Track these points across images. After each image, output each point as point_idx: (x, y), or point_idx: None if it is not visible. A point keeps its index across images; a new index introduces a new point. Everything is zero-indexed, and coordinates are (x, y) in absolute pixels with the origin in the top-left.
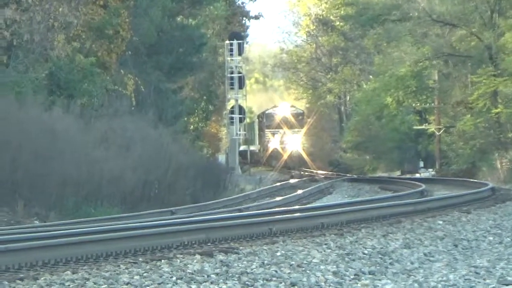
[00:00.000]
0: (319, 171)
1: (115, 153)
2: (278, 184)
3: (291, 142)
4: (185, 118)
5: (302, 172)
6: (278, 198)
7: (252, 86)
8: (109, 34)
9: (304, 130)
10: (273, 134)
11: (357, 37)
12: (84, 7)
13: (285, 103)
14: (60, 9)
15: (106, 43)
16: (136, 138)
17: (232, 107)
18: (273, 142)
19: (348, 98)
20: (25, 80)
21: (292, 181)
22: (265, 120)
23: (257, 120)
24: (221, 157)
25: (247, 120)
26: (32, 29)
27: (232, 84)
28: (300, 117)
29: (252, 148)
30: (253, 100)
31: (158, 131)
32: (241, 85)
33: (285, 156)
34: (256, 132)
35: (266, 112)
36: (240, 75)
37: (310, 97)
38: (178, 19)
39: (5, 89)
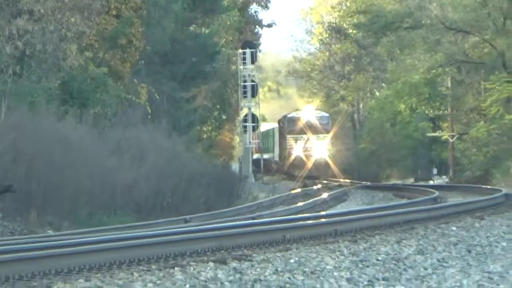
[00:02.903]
0: (333, 179)
1: (129, 162)
2: (292, 192)
3: (316, 149)
4: (198, 127)
5: (315, 180)
6: (292, 206)
7: (265, 94)
8: (122, 44)
9: (330, 135)
10: (296, 140)
11: (370, 45)
12: (96, 17)
13: (309, 106)
14: (73, 19)
15: (119, 53)
16: (149, 147)
17: (245, 116)
18: (296, 149)
19: (361, 105)
20: (38, 90)
21: (305, 189)
22: (287, 125)
23: (277, 125)
24: (235, 166)
25: (260, 128)
26: (45, 39)
27: (245, 92)
28: (325, 122)
29: (265, 156)
30: (266, 108)
31: (171, 140)
32: (254, 93)
33: (309, 164)
34: (274, 139)
35: (288, 116)
36: (253, 83)
37: (323, 105)
38: (191, 28)
39: (19, 99)
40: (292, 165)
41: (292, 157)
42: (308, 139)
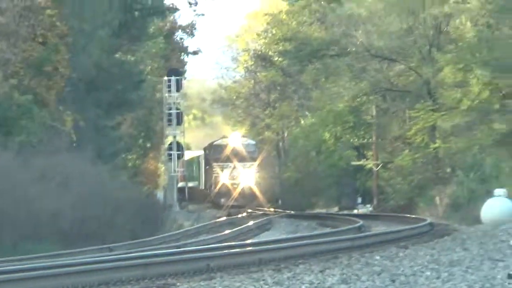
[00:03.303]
0: (258, 208)
1: (54, 190)
2: (217, 220)
3: (243, 177)
4: (124, 155)
5: (240, 209)
6: (216, 234)
7: (191, 122)
8: (48, 71)
9: (257, 163)
10: (222, 168)
11: (295, 73)
12: (22, 44)
13: (236, 133)
14: None
15: (45, 80)
16: (74, 175)
17: (170, 144)
18: (222, 177)
19: (286, 134)
20: None
21: (229, 217)
22: (213, 153)
23: (202, 153)
24: (160, 194)
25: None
26: None
27: (170, 120)
28: (252, 149)
29: (190, 184)
30: (191, 136)
31: (96, 168)
32: (179, 121)
33: (235, 193)
34: (199, 167)
35: (214, 143)
36: (178, 111)
37: (249, 133)
38: (117, 55)
39: None
40: (218, 193)
41: (218, 185)
42: (234, 167)
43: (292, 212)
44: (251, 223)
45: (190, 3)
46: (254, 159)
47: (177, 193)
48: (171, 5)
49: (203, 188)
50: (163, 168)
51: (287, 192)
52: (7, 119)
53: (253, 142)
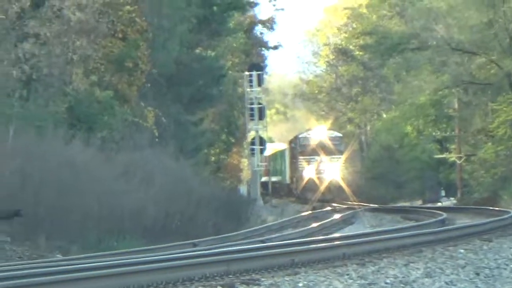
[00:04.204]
0: (346, 202)
1: (137, 186)
2: (301, 214)
3: (329, 171)
4: (206, 150)
5: (323, 203)
6: (300, 229)
7: (273, 117)
8: (128, 67)
9: (344, 157)
10: (308, 161)
11: (376, 67)
12: (102, 40)
13: (321, 126)
14: (79, 42)
15: (126, 76)
16: (157, 170)
17: (253, 139)
18: (308, 171)
19: (368, 127)
20: (45, 114)
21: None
22: (299, 146)
23: (287, 146)
24: (243, 189)
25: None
26: (51, 62)
27: (252, 115)
28: (338, 142)
29: (273, 178)
30: (274, 130)
31: (179, 164)
32: (262, 116)
33: (322, 187)
34: (284, 161)
35: (300, 136)
36: (260, 106)
37: (331, 127)
38: (197, 50)
39: (26, 123)
40: (305, 187)
41: (305, 179)
42: (321, 161)
43: (376, 205)
44: (335, 216)
45: None
46: (340, 152)
47: (261, 188)
48: (250, 0)
49: (288, 182)
50: (246, 163)
51: (371, 186)
52: (88, 116)
53: (339, 134)
